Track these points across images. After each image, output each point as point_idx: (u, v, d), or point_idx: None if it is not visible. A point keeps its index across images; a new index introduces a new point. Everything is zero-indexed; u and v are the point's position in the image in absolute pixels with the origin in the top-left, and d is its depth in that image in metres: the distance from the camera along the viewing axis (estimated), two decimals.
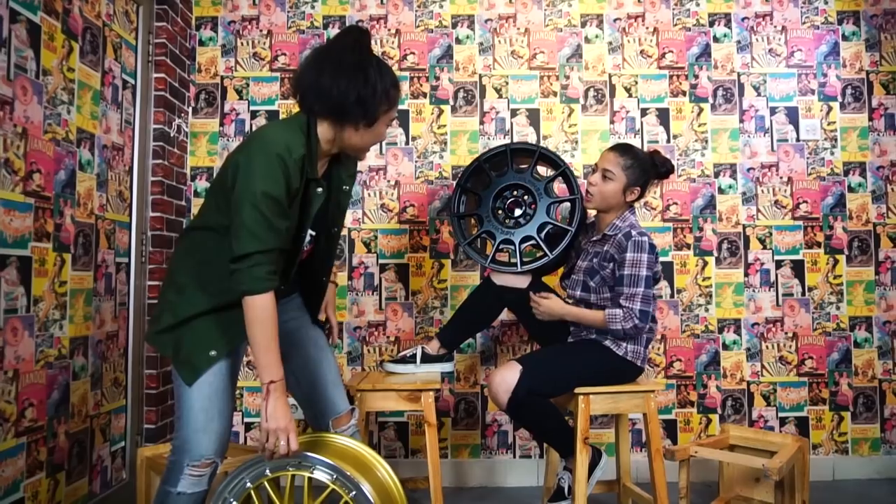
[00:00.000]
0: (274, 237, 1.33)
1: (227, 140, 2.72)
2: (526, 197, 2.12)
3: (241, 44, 2.75)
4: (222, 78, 2.74)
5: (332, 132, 1.45)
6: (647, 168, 2.00)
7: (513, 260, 2.09)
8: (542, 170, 2.24)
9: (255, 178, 1.31)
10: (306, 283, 1.65)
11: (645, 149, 2.67)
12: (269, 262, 1.33)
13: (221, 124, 2.73)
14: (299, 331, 1.65)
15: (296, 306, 1.66)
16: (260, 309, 1.32)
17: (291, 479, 1.44)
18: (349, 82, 1.38)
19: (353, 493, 1.37)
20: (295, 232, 1.44)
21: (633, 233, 1.91)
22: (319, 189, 1.45)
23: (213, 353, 1.39)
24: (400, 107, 2.71)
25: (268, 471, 1.40)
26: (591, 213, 2.15)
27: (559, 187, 2.30)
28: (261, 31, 2.76)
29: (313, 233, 1.54)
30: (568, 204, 2.13)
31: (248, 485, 1.41)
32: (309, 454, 1.40)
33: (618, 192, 1.98)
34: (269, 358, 1.33)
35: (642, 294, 1.87)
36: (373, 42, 2.71)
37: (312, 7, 2.76)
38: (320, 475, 1.40)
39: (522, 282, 2.09)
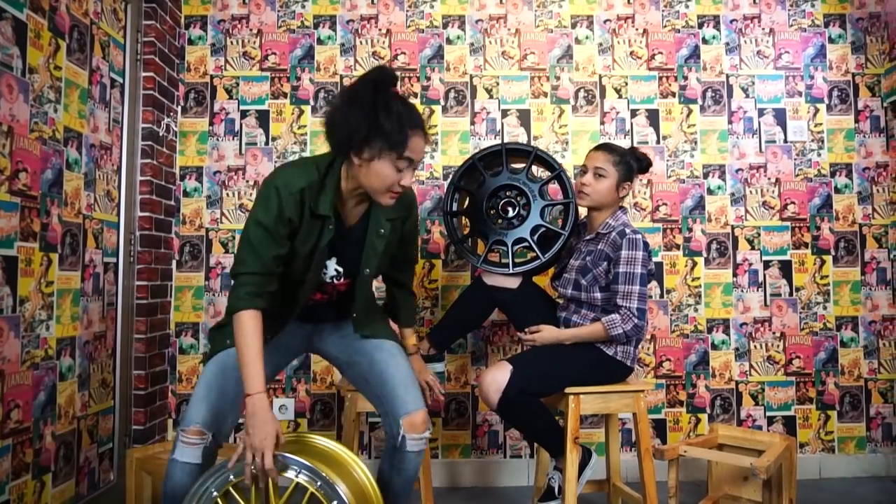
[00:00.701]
0: (256, 262, 1.47)
1: (217, 139, 2.70)
2: (520, 198, 2.13)
3: (231, 43, 2.74)
4: (212, 77, 2.73)
5: (346, 168, 1.53)
6: (631, 164, 2.03)
7: (504, 260, 2.09)
8: (535, 169, 2.24)
9: (253, 209, 1.50)
10: (335, 314, 1.74)
11: None
12: (251, 284, 1.46)
13: (211, 123, 2.71)
14: (360, 339, 1.72)
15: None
16: (240, 325, 1.45)
17: (256, 482, 1.43)
18: (346, 113, 1.43)
19: (319, 483, 1.37)
20: (305, 262, 1.54)
21: (628, 231, 1.93)
22: (331, 226, 1.53)
23: (228, 341, 1.55)
24: None
25: (231, 476, 1.40)
26: (582, 213, 2.16)
27: (551, 188, 2.31)
28: (251, 30, 2.74)
29: (339, 269, 1.63)
30: (560, 206, 2.13)
31: (214, 493, 1.40)
32: (279, 454, 1.39)
33: (612, 189, 2.00)
34: (247, 371, 1.43)
35: (638, 292, 1.88)
36: (363, 42, 2.72)
37: (303, 6, 2.75)
38: (289, 473, 1.39)
39: (513, 282, 2.09)
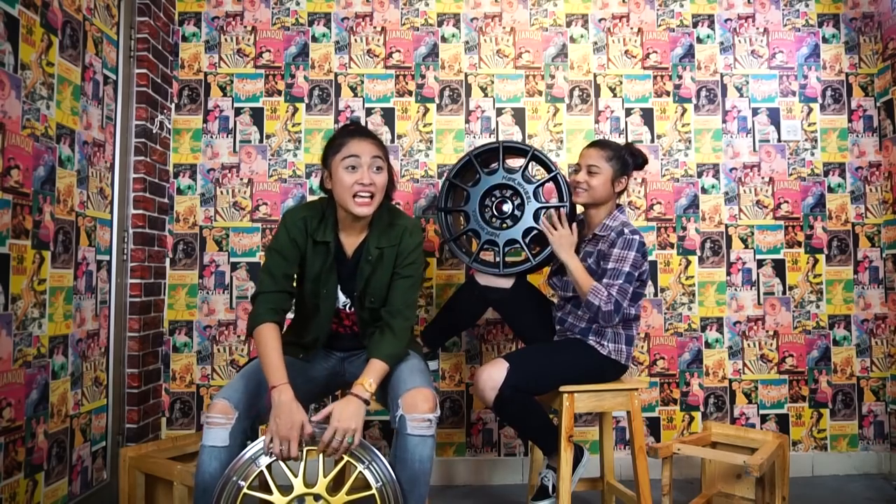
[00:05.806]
0: (270, 281, 1.68)
1: (211, 137, 2.69)
2: (514, 198, 2.12)
3: (225, 40, 2.73)
4: (206, 74, 2.71)
5: (336, 201, 1.71)
6: (626, 158, 2.03)
7: (496, 259, 2.09)
8: (530, 168, 2.23)
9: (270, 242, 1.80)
10: (358, 344, 1.85)
11: None
12: (267, 302, 1.66)
13: (205, 121, 2.70)
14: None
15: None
16: (260, 337, 1.62)
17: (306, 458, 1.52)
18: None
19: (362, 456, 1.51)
20: (314, 286, 1.73)
21: (626, 231, 1.92)
22: (331, 250, 1.72)
23: None
24: (385, 105, 2.72)
25: (260, 465, 1.49)
26: (579, 209, 2.16)
27: (546, 187, 2.30)
28: (245, 27, 2.73)
29: (346, 299, 1.78)
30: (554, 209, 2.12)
31: (242, 484, 1.47)
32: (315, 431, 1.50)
33: (606, 184, 1.99)
34: (269, 368, 1.57)
35: (619, 286, 1.86)
36: (358, 40, 2.71)
37: (297, 3, 2.74)
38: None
39: (506, 282, 2.09)
